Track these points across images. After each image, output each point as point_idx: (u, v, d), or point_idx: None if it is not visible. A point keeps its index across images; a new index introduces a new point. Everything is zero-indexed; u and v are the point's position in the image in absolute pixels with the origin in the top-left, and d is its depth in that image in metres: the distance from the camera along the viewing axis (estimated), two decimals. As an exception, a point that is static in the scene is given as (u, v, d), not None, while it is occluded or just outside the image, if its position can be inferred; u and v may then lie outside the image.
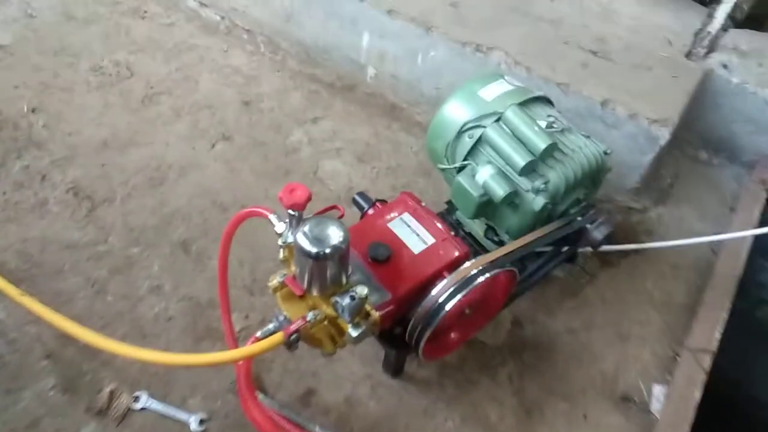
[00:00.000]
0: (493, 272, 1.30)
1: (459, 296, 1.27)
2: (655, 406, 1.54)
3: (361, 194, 1.57)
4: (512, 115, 1.45)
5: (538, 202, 1.43)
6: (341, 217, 1.28)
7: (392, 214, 1.46)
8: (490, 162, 1.47)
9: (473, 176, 1.49)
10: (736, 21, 2.12)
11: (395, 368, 1.56)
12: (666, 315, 1.75)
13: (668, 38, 2.07)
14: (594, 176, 1.52)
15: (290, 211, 1.26)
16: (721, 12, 1.93)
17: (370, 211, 1.52)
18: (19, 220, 1.82)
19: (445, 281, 1.30)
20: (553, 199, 1.44)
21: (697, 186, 2.08)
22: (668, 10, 2.20)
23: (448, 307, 1.28)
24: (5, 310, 1.61)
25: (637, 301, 1.78)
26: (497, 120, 1.47)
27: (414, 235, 1.42)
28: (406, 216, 1.46)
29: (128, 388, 1.50)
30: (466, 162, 1.51)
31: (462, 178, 1.49)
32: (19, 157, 1.99)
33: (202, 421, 1.45)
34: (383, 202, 1.54)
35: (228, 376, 1.52)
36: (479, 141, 1.50)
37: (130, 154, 2.05)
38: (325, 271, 1.20)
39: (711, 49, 2.02)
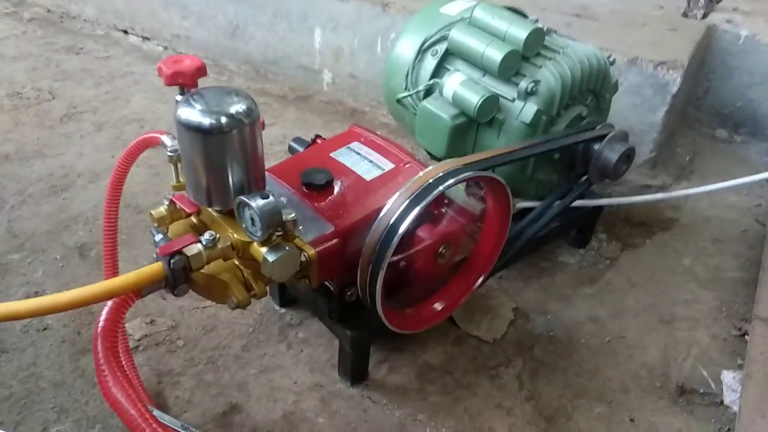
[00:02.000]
0: (465, 175, 0.90)
1: (416, 210, 0.86)
2: (731, 397, 1.07)
3: (298, 139, 1.20)
4: (483, 12, 1.13)
5: (529, 110, 1.06)
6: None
7: (337, 146, 1.09)
8: (459, 72, 1.13)
9: (441, 96, 1.14)
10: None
11: (355, 368, 1.09)
12: (718, 292, 1.31)
13: (659, 4, 1.82)
14: (596, 88, 1.17)
15: (177, 97, 0.89)
16: (714, -37, 1.71)
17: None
18: None
19: (397, 193, 0.89)
20: (547, 107, 1.08)
21: (722, 162, 1.72)
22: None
23: (402, 227, 0.86)
24: None
25: (677, 281, 1.35)
26: (463, 24, 1.15)
27: (366, 161, 1.04)
28: (356, 145, 1.08)
29: (-36, 416, 1.03)
30: (431, 82, 1.17)
31: (428, 102, 1.14)
32: None
33: (61, 454, 0.97)
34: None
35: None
36: (445, 55, 1.17)
37: (33, 165, 1.69)
38: (224, 160, 0.81)
39: (708, 11, 1.77)
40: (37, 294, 1.28)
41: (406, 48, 1.24)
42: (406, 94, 1.20)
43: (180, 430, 0.80)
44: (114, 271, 1.09)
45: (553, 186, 1.21)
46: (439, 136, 1.13)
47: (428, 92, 1.18)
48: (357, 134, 1.11)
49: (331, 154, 1.07)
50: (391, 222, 0.87)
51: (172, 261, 0.78)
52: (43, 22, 2.55)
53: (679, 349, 1.19)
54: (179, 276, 0.80)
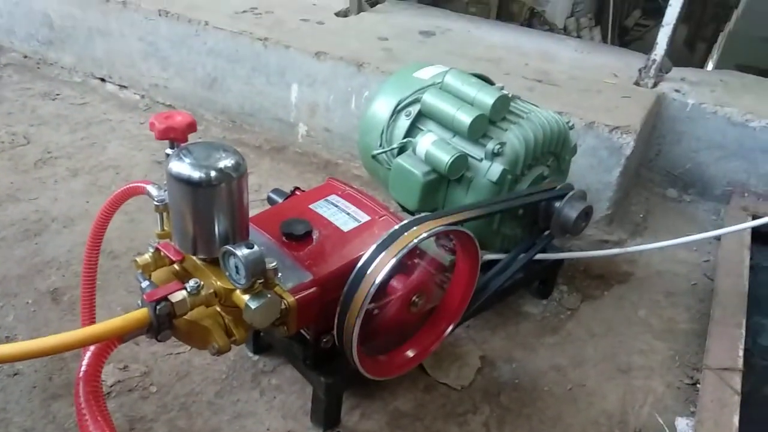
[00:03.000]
0: (437, 229, 0.97)
1: (392, 261, 0.92)
2: (686, 443, 1.13)
3: (276, 190, 1.25)
4: (453, 78, 1.22)
5: (495, 169, 1.15)
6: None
7: (315, 198, 1.15)
8: (431, 133, 1.21)
9: (414, 154, 1.21)
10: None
11: (328, 415, 1.12)
12: (671, 342, 1.39)
13: (613, 72, 1.97)
14: (557, 150, 1.26)
15: (167, 151, 0.94)
16: (662, 36, 1.85)
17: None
18: None
19: (373, 245, 0.95)
20: (512, 166, 1.16)
21: (673, 219, 1.83)
22: (607, 55, 2.14)
23: (378, 278, 0.91)
24: None
25: (633, 331, 1.43)
26: (434, 88, 1.24)
27: (343, 213, 1.10)
28: (334, 197, 1.14)
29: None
30: (404, 140, 1.24)
31: (402, 159, 1.21)
32: None
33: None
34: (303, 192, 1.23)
35: None
36: (418, 117, 1.25)
37: (6, 209, 1.70)
38: (211, 212, 0.85)
39: (659, 80, 1.92)
40: (8, 339, 1.28)
41: (381, 107, 1.32)
42: (380, 150, 1.27)
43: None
44: (91, 318, 1.10)
45: (517, 240, 1.29)
46: (411, 191, 1.20)
47: (401, 150, 1.25)
48: (334, 187, 1.17)
49: (310, 206, 1.12)
50: (368, 273, 0.92)
51: (158, 307, 0.81)
52: (20, 68, 2.58)
53: (636, 397, 1.25)
54: (164, 322, 0.83)
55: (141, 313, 0.82)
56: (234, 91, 2.17)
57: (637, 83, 1.91)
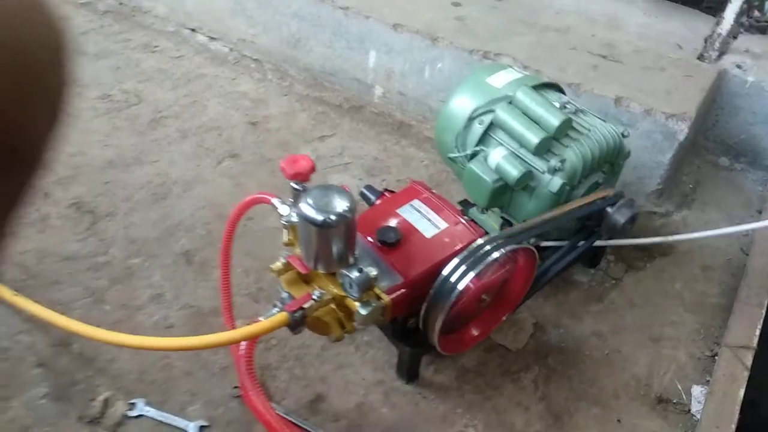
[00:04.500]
0: (509, 248, 1.21)
1: (472, 274, 1.18)
2: (696, 407, 1.40)
3: (369, 187, 1.51)
4: (523, 96, 1.40)
5: (556, 182, 1.36)
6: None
7: (402, 202, 1.39)
8: (502, 145, 1.41)
9: (485, 161, 1.42)
10: (744, 27, 2.10)
11: (409, 372, 1.44)
12: (699, 316, 1.62)
13: (677, 43, 2.04)
14: (612, 159, 1.45)
15: (293, 185, 1.19)
16: (730, 13, 1.91)
17: (378, 202, 1.46)
18: (19, 235, 1.77)
19: (456, 259, 1.21)
20: (570, 179, 1.37)
21: (720, 190, 1.99)
22: (675, 19, 2.19)
23: (460, 286, 1.18)
24: (-2, 319, 1.53)
25: (668, 303, 1.66)
26: (507, 102, 1.42)
27: (425, 220, 1.35)
28: (417, 202, 1.39)
29: (124, 396, 1.39)
30: (477, 149, 1.45)
31: (474, 165, 1.43)
32: (23, 175, 1.95)
33: (202, 428, 1.34)
34: (392, 192, 1.47)
35: (231, 382, 1.41)
36: (490, 126, 1.45)
37: (134, 171, 2.02)
38: (330, 243, 1.12)
39: (722, 52, 1.99)
40: (159, 296, 1.63)
41: (456, 111, 1.52)
42: (456, 154, 1.49)
43: (301, 424, 1.16)
44: (231, 319, 1.41)
45: (571, 232, 1.51)
46: (482, 193, 1.43)
47: (474, 154, 1.47)
48: (417, 192, 1.41)
49: (398, 210, 1.38)
50: (451, 280, 1.19)
51: (295, 314, 1.11)
52: (118, 16, 2.81)
53: (662, 365, 1.51)
54: (298, 323, 1.13)
55: (282, 317, 1.12)
56: (316, 52, 2.36)
57: (701, 55, 1.99)
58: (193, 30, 2.69)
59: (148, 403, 1.38)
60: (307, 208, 1.09)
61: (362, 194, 1.51)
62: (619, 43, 2.02)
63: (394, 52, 2.15)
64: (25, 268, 1.67)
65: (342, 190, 1.13)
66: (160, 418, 1.35)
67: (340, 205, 1.10)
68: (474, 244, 1.21)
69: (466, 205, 1.61)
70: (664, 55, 1.98)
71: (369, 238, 1.29)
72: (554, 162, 1.35)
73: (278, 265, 1.22)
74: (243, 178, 2.02)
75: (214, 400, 1.40)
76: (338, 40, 2.26)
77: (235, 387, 1.40)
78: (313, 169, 1.17)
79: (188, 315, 1.58)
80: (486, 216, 1.55)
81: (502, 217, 1.52)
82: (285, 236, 1.27)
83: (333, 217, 1.08)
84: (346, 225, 1.11)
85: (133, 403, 1.37)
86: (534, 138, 1.34)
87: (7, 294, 1.43)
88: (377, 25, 2.13)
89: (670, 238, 1.69)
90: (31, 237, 1.75)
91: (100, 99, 2.32)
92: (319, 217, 1.08)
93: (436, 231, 1.33)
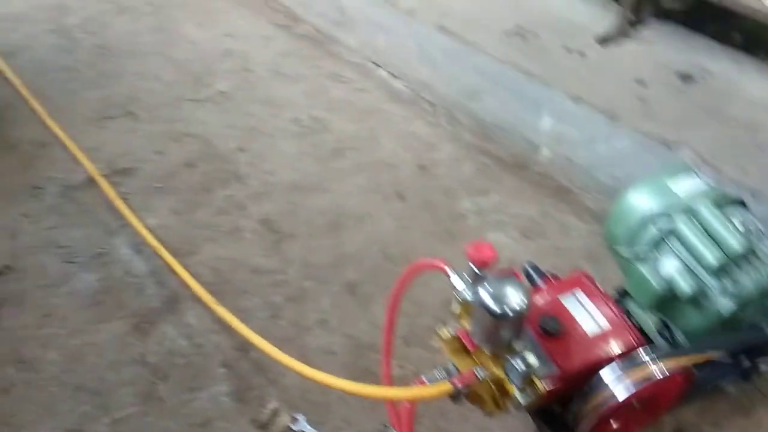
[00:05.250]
0: (671, 369, 1.26)
1: (633, 390, 1.25)
2: None
3: (533, 265, 1.60)
4: (706, 212, 1.42)
5: (727, 306, 1.37)
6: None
7: (565, 290, 1.48)
8: (676, 256, 1.45)
9: (656, 267, 1.47)
10: None
11: (545, 448, 1.53)
12: None
13: None
14: (788, 287, 1.44)
15: (474, 268, 1.32)
16: None
17: (541, 284, 1.55)
18: (217, 241, 2.06)
19: (617, 367, 1.28)
20: (742, 305, 1.38)
21: None
22: None
23: (618, 394, 1.25)
24: (196, 316, 1.81)
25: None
26: (688, 214, 1.45)
27: (587, 315, 1.42)
28: (580, 294, 1.46)
29: (289, 408, 1.61)
30: (648, 251, 1.50)
31: (643, 267, 1.48)
32: (224, 187, 2.26)
33: (351, 456, 1.52)
34: (557, 278, 1.56)
35: (379, 418, 1.58)
36: (666, 233, 1.49)
37: (315, 197, 2.25)
38: (501, 331, 1.24)
39: None
40: (325, 321, 1.84)
41: (632, 208, 1.56)
42: (626, 252, 1.54)
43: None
44: (388, 367, 1.55)
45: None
46: (646, 296, 1.48)
47: (644, 256, 1.51)
48: (582, 283, 1.49)
49: (560, 297, 1.46)
50: (609, 386, 1.27)
51: (461, 388, 1.24)
52: (312, 42, 3.10)
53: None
54: (461, 395, 1.26)
55: (447, 387, 1.25)
56: (489, 106, 2.48)
57: None
58: (377, 65, 2.91)
59: (309, 421, 1.58)
60: (486, 297, 1.21)
61: (526, 272, 1.61)
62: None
63: (568, 121, 2.21)
64: (220, 273, 1.95)
65: (519, 284, 1.23)
66: (317, 437, 1.55)
67: (517, 300, 1.21)
68: (638, 355, 1.28)
69: (624, 295, 1.65)
70: None
71: (531, 323, 1.39)
72: (729, 286, 1.37)
73: (447, 334, 1.35)
74: (408, 220, 2.19)
75: (365, 430, 1.58)
76: (514, 99, 2.37)
77: (385, 426, 1.56)
78: (495, 260, 1.30)
79: (349, 345, 1.78)
80: (644, 312, 1.59)
81: (661, 319, 1.56)
82: (454, 307, 1.40)
83: (509, 311, 1.20)
84: (519, 318, 1.22)
85: (296, 418, 1.58)
86: (714, 260, 1.37)
87: (212, 301, 1.70)
88: (557, 95, 2.20)
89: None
90: (227, 246, 2.04)
91: (292, 122, 2.60)
92: (497, 309, 1.20)
93: (598, 330, 1.40)
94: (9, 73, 2.67)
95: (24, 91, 2.58)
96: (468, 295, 1.33)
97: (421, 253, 2.05)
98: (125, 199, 2.14)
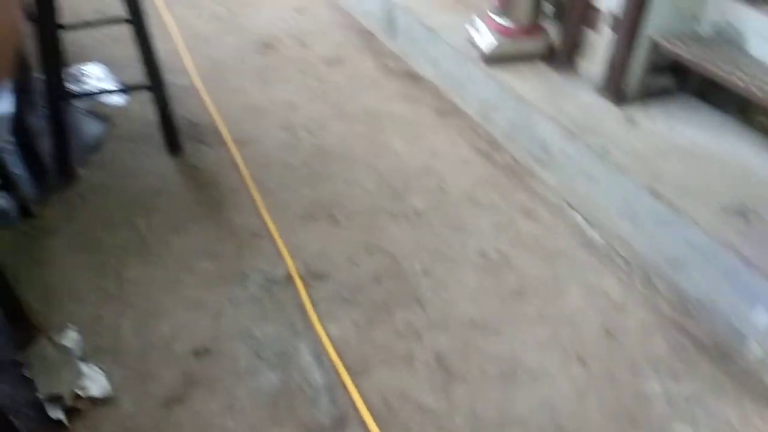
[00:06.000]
0: None
1: None
2: None
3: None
4: None
5: None
6: None
7: None
8: None
9: None
10: None
11: None
12: None
13: None
14: None
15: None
16: None
17: None
18: (390, 365, 2.09)
19: None
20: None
21: None
22: None
23: None
24: (359, 445, 1.83)
25: None
26: None
27: None
28: None
29: None
30: None
31: None
32: (405, 309, 2.31)
33: None
34: None
35: None
36: None
37: (491, 340, 2.22)
38: None
39: None
40: (485, 486, 1.76)
41: None
42: None
43: None
44: None
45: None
46: None
47: None
48: None
49: None
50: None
51: None
52: (510, 172, 3.14)
53: None
54: None
55: None
56: (694, 280, 2.31)
57: None
58: (573, 208, 2.86)
59: None
60: None
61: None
62: None
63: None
64: (388, 403, 1.97)
65: None
66: None
67: None
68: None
69: None
70: None
71: None
72: None
73: None
74: (587, 391, 2.06)
75: None
76: (725, 281, 2.18)
77: None
78: None
79: None
80: None
81: None
82: None
83: None
84: None
85: None
86: None
87: (372, 425, 1.70)
88: (780, 290, 2.00)
89: None
90: (399, 373, 2.06)
91: (477, 252, 2.62)
92: None
93: None
94: (240, 162, 3.03)
95: (248, 181, 2.90)
96: None
97: (597, 436, 1.92)
98: (315, 304, 2.28)
